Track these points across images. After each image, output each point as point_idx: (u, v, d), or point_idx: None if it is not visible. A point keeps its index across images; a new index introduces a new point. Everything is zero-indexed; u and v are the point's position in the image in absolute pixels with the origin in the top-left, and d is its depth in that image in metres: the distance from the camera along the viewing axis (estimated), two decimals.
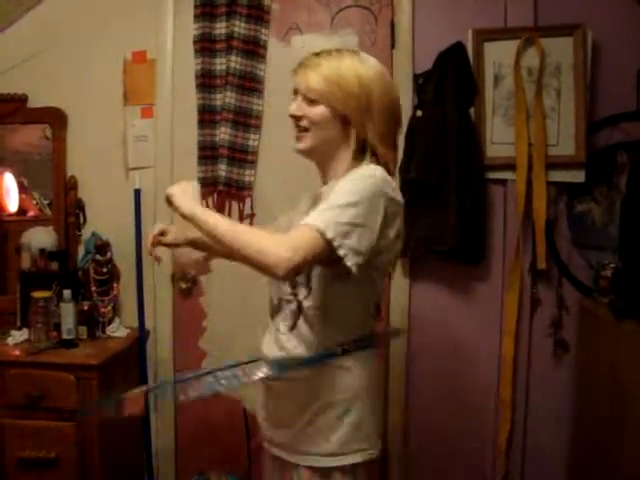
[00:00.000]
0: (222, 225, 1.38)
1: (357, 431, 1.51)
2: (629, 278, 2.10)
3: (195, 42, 2.63)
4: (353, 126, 1.47)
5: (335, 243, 1.32)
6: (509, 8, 2.47)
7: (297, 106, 1.49)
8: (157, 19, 2.67)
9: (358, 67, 1.47)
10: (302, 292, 1.49)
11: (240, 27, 2.57)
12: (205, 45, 2.61)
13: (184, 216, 1.42)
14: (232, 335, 2.64)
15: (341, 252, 1.33)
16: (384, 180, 1.43)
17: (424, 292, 2.58)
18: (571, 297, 2.50)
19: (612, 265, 2.29)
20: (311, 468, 1.50)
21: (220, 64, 2.61)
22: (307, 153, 1.53)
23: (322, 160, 1.55)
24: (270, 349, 1.56)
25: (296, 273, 1.37)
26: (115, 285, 2.65)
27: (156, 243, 1.73)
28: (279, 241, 1.32)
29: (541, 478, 2.56)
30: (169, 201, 1.45)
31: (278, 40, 2.61)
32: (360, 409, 1.52)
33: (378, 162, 1.48)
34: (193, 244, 1.77)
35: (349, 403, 1.51)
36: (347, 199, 1.36)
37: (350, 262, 1.35)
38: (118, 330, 2.62)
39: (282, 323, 1.53)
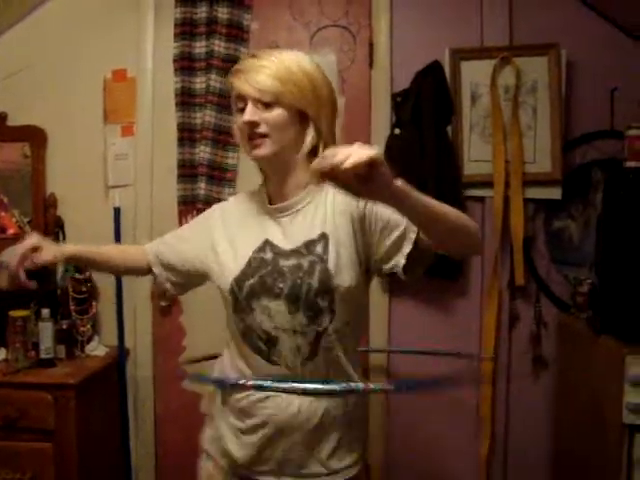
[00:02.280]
0: (437, 202, 1.19)
1: (363, 432, 1.58)
2: (606, 294, 2.12)
3: (175, 61, 2.64)
4: (311, 120, 1.43)
5: None
6: (485, 28, 2.51)
7: (252, 112, 1.39)
8: (137, 38, 2.68)
9: (301, 61, 1.44)
10: (325, 319, 1.41)
11: (220, 46, 2.59)
12: (185, 64, 2.63)
13: (392, 191, 1.07)
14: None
15: None
16: None
17: (403, 309, 2.59)
18: (549, 313, 2.52)
19: (589, 281, 2.32)
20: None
21: (200, 83, 2.63)
22: (269, 160, 1.45)
23: (280, 168, 1.47)
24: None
25: None
26: (94, 303, 2.63)
27: (26, 262, 1.44)
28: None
29: None
30: (372, 166, 1.00)
31: (264, 49, 2.62)
32: (363, 413, 1.59)
33: None
34: (73, 259, 1.58)
35: (360, 408, 1.55)
36: None
37: None
38: (97, 349, 2.60)
39: (288, 357, 1.44)
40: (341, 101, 2.58)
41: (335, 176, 1.01)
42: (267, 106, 1.39)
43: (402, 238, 1.36)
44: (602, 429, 2.02)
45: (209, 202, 2.61)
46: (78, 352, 2.56)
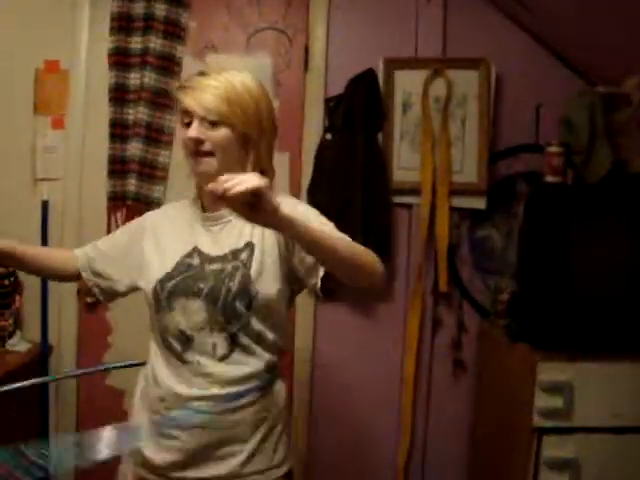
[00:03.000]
0: (329, 232, 1.33)
1: (289, 439, 1.59)
2: (524, 302, 2.21)
3: (110, 55, 2.60)
4: (252, 144, 1.46)
5: None
6: (420, 39, 2.57)
7: (197, 130, 1.42)
8: (72, 30, 2.62)
9: (248, 83, 1.46)
10: (241, 321, 1.44)
11: (156, 43, 2.57)
12: (120, 59, 2.60)
13: (278, 223, 1.18)
14: (137, 352, 2.59)
15: None
16: None
17: (329, 312, 2.62)
18: (471, 319, 2.60)
19: (509, 289, 2.40)
20: None
21: (134, 79, 2.60)
22: (211, 177, 1.39)
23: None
24: (190, 385, 1.47)
25: None
26: (18, 298, 2.58)
27: None
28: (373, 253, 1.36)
29: None
30: (257, 195, 1.11)
31: (193, 57, 2.62)
32: (287, 418, 1.59)
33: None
34: (5, 255, 1.53)
35: (284, 414, 1.57)
36: None
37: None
38: (19, 344, 2.55)
39: (202, 356, 1.46)
40: (275, 104, 2.57)
41: (226, 200, 1.11)
42: (213, 125, 1.42)
43: (317, 262, 1.41)
44: (514, 432, 2.11)
45: (139, 199, 2.61)
46: None
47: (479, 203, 2.54)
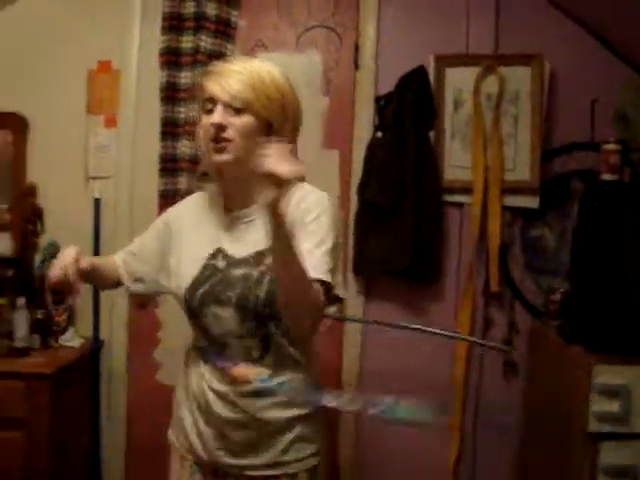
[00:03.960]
0: (300, 254, 1.30)
1: (321, 425, 1.59)
2: (577, 303, 2.15)
3: (161, 55, 2.63)
4: (275, 132, 1.44)
5: (334, 291, 1.44)
6: (471, 35, 2.53)
7: (221, 115, 1.41)
8: (124, 30, 2.67)
9: (274, 73, 1.46)
10: (272, 325, 1.45)
11: (207, 42, 2.58)
12: (171, 58, 2.62)
13: (274, 214, 1.21)
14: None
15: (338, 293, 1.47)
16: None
17: (378, 310, 2.60)
18: (522, 320, 2.55)
19: (561, 290, 2.35)
20: (306, 470, 1.53)
21: (185, 78, 2.62)
22: (230, 165, 1.45)
23: (239, 176, 1.48)
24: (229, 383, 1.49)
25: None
26: None
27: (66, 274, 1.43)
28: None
29: None
30: (280, 182, 1.17)
31: (243, 56, 2.62)
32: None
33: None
34: (93, 272, 1.52)
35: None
36: (333, 240, 1.43)
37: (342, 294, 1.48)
38: (72, 340, 2.60)
39: (238, 359, 1.47)
40: (325, 102, 2.61)
41: (259, 165, 1.17)
42: (237, 112, 1.42)
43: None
44: (568, 436, 2.05)
45: None
46: (53, 342, 2.56)
47: (532, 202, 2.49)
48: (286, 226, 1.24)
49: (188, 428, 1.57)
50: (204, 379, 1.52)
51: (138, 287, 1.66)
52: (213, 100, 1.43)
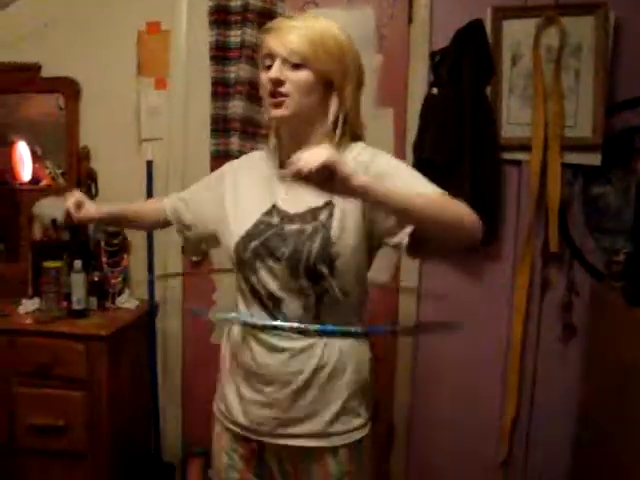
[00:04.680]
0: (411, 194, 1.28)
1: (369, 397, 1.56)
2: None
3: (210, 13, 2.59)
4: (335, 89, 1.43)
5: None
6: None
7: (278, 70, 1.39)
8: None
9: (333, 29, 1.43)
10: (325, 283, 1.43)
11: None
12: (220, 17, 2.58)
13: (353, 189, 1.19)
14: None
15: None
16: None
17: (434, 271, 2.56)
18: (582, 281, 2.48)
19: (625, 250, 2.27)
20: (349, 445, 1.50)
21: (235, 36, 2.58)
22: (287, 120, 1.44)
23: (298, 132, 1.47)
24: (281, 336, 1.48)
25: None
26: (125, 257, 2.66)
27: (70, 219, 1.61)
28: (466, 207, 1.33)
29: (544, 461, 2.57)
30: (330, 170, 1.15)
31: (294, 13, 2.56)
32: (368, 376, 1.55)
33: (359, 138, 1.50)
34: (108, 218, 1.70)
35: (365, 373, 1.54)
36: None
37: None
38: (128, 302, 2.64)
39: (291, 315, 1.46)
40: (378, 58, 2.55)
41: (302, 181, 1.16)
42: (295, 67, 1.40)
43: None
44: (631, 403, 2.00)
45: None
46: (109, 304, 2.60)
47: (594, 159, 2.39)
48: (373, 187, 1.22)
49: (230, 395, 1.57)
50: (249, 337, 1.51)
51: (188, 234, 1.72)
52: (272, 56, 1.41)
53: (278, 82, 1.40)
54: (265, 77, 1.43)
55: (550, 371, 2.53)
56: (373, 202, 1.27)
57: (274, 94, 1.41)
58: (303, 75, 1.39)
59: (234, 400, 1.56)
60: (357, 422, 1.51)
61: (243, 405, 1.54)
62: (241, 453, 1.58)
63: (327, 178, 1.15)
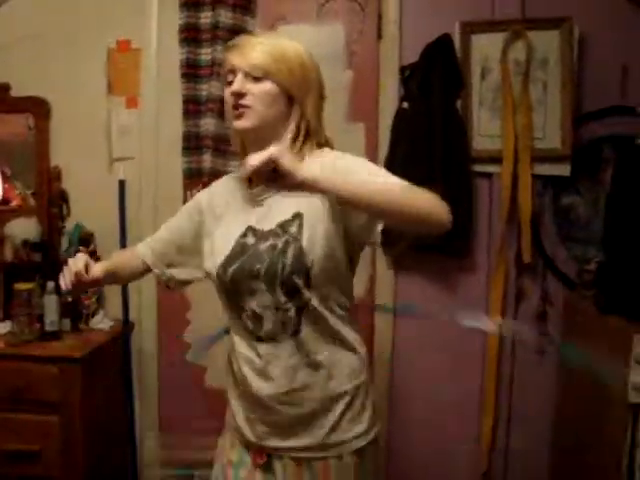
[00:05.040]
0: (368, 183, 1.29)
1: (369, 404, 1.56)
2: (613, 273, 2.11)
3: (180, 31, 2.60)
4: (296, 102, 1.45)
5: None
6: (497, 0, 2.46)
7: (240, 83, 1.41)
8: (142, 8, 2.63)
9: (294, 45, 1.46)
10: (303, 295, 1.43)
11: (226, 17, 2.54)
12: (190, 35, 2.59)
13: (302, 184, 1.21)
14: (216, 327, 2.62)
15: None
16: None
17: (409, 285, 2.57)
18: (556, 291, 2.51)
19: (596, 259, 2.30)
20: (351, 453, 1.51)
21: (205, 54, 2.59)
22: (250, 132, 1.45)
23: (261, 144, 1.40)
24: (267, 360, 1.48)
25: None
26: None
27: (78, 282, 1.46)
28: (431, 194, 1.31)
29: (523, 472, 2.57)
30: (275, 164, 1.18)
31: (264, 30, 2.57)
32: (366, 382, 1.56)
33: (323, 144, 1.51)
34: (107, 277, 1.53)
35: (364, 380, 1.55)
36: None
37: None
38: (102, 322, 2.61)
39: (274, 332, 1.46)
40: (349, 74, 2.57)
41: (254, 176, 1.25)
42: (256, 80, 1.42)
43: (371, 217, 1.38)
44: (606, 408, 2.02)
45: (215, 175, 2.56)
46: (83, 325, 2.57)
47: (563, 170, 2.43)
48: (329, 179, 1.23)
49: (237, 412, 1.58)
50: (242, 358, 1.52)
51: (172, 272, 1.67)
52: (234, 71, 1.44)
53: (240, 95, 1.42)
54: (228, 92, 1.44)
55: (527, 380, 2.54)
56: (333, 194, 1.26)
57: (236, 106, 1.43)
58: (265, 87, 1.42)
59: (240, 417, 1.57)
60: (358, 429, 1.52)
61: (249, 422, 1.55)
62: (249, 463, 1.58)
63: (276, 174, 1.19)
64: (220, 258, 1.50)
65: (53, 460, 2.29)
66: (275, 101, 1.43)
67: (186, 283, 1.72)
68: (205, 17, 2.58)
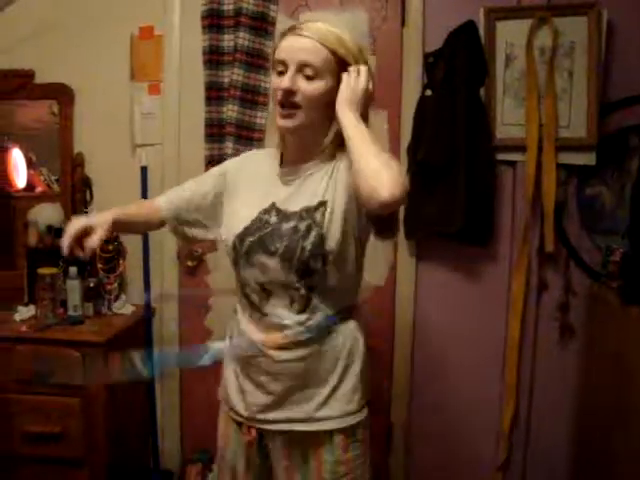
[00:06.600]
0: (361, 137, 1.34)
1: (365, 383, 1.57)
2: (638, 263, 2.08)
3: (203, 18, 2.59)
4: None
5: None
6: None
7: (292, 79, 1.40)
8: None
9: (345, 37, 1.45)
10: (316, 277, 1.46)
11: (249, 3, 2.53)
12: (213, 21, 2.57)
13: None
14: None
15: None
16: None
17: (431, 273, 2.57)
18: (579, 281, 2.48)
19: (621, 250, 2.27)
20: (344, 430, 1.52)
21: (228, 40, 2.57)
22: (292, 131, 1.46)
23: (302, 141, 1.50)
24: (269, 335, 1.52)
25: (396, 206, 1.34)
26: (121, 262, 2.65)
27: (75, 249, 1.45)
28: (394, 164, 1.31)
29: (543, 462, 2.56)
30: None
31: (287, 16, 2.56)
32: (363, 361, 1.57)
33: None
34: (115, 226, 1.52)
35: (358, 357, 1.56)
36: None
37: None
38: (124, 307, 2.63)
39: (280, 308, 1.49)
40: (371, 61, 2.52)
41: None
42: (308, 78, 1.40)
43: None
44: (629, 401, 2.00)
45: None
46: (105, 310, 2.59)
47: (588, 159, 2.40)
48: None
49: (230, 385, 1.62)
50: (245, 331, 1.55)
51: (185, 229, 1.70)
52: (285, 63, 1.42)
53: (290, 92, 1.40)
54: (277, 83, 1.43)
55: (548, 371, 2.52)
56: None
57: (284, 104, 1.42)
58: (316, 85, 1.41)
59: (233, 389, 1.61)
60: (349, 407, 1.53)
61: (242, 394, 1.58)
62: (243, 439, 1.62)
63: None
64: (238, 228, 1.53)
65: (75, 441, 2.32)
66: (324, 100, 1.42)
67: (197, 241, 1.76)
68: (228, 3, 2.56)
